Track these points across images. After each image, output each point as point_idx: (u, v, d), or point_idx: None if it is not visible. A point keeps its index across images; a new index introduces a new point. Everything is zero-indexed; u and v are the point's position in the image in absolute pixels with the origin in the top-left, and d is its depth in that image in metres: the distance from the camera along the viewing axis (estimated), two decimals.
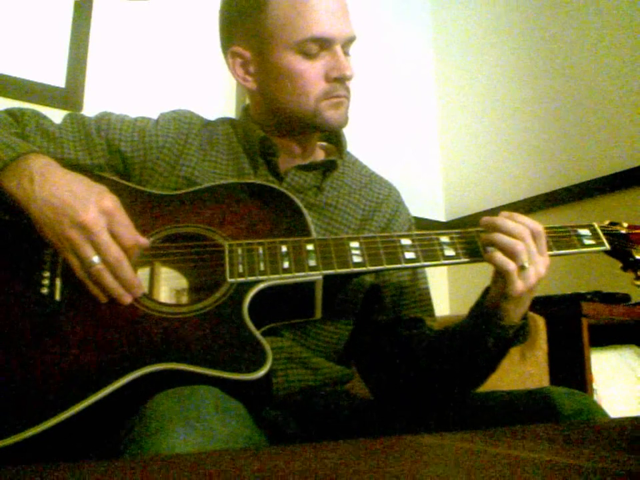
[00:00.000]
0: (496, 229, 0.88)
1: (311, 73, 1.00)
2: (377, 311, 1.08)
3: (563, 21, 2.22)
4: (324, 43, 0.99)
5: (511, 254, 0.85)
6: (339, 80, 1.01)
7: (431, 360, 0.98)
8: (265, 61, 1.02)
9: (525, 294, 0.87)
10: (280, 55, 1.00)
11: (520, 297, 0.87)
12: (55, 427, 0.72)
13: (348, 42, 1.03)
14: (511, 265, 0.85)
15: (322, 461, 0.44)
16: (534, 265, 0.86)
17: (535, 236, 0.87)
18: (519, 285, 0.85)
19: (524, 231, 0.86)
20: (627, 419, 0.86)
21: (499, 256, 0.86)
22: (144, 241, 0.88)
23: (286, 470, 0.41)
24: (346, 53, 1.03)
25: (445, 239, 0.92)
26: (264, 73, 1.03)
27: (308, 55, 0.99)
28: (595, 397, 1.63)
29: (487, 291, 0.93)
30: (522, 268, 0.85)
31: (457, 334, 0.96)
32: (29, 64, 1.79)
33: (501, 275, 0.87)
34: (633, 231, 0.99)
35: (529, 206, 2.16)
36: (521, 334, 0.92)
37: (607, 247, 0.95)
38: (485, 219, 0.91)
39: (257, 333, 0.82)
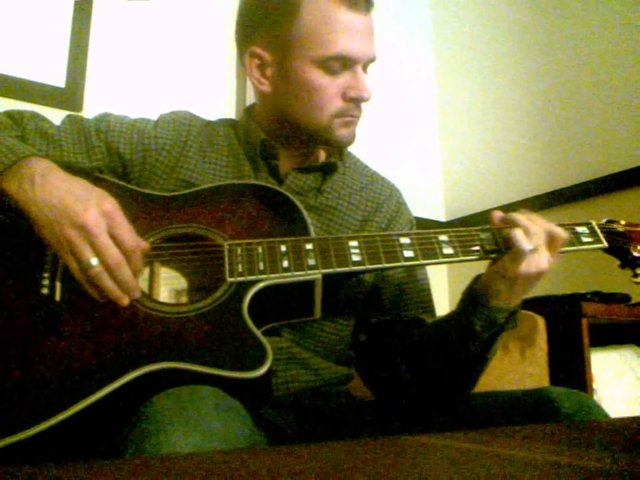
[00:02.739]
0: (513, 221, 0.91)
1: (330, 89, 0.99)
2: (377, 311, 1.08)
3: (563, 21, 2.22)
4: (347, 62, 0.99)
5: (528, 233, 0.88)
6: (355, 100, 1.01)
7: (425, 353, 0.98)
8: (284, 67, 1.01)
9: (521, 278, 0.88)
10: (302, 65, 0.98)
11: (516, 280, 0.88)
12: (55, 427, 0.72)
13: (369, 62, 1.03)
14: (528, 246, 0.87)
15: (322, 461, 0.44)
16: (547, 253, 0.88)
17: (552, 231, 0.90)
18: (523, 266, 0.87)
19: (541, 221, 0.90)
20: (627, 419, 0.86)
21: (520, 234, 0.88)
22: (144, 243, 0.87)
23: (286, 470, 0.41)
24: (364, 72, 1.03)
25: (443, 237, 0.93)
26: (281, 79, 1.02)
27: (330, 71, 0.98)
28: (595, 397, 1.63)
29: (476, 278, 0.95)
30: (532, 250, 0.87)
31: (447, 322, 0.97)
32: (29, 64, 1.79)
33: (514, 253, 0.88)
34: (631, 229, 0.99)
35: (529, 206, 2.14)
36: (511, 321, 0.92)
37: (605, 244, 0.96)
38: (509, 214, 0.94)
39: (257, 332, 0.82)
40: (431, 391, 0.99)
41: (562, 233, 0.91)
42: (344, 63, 0.99)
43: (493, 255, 0.92)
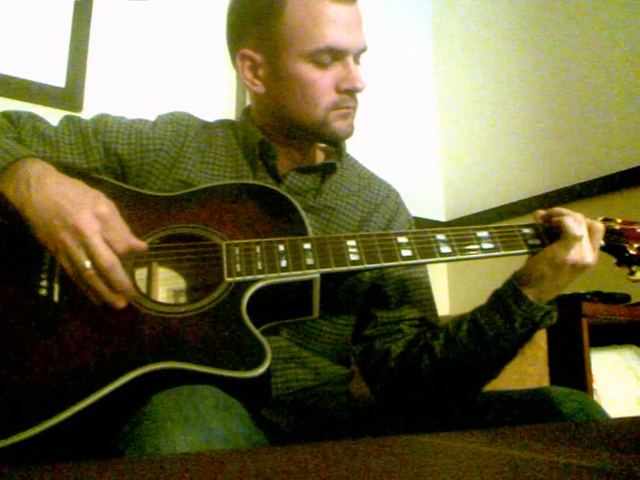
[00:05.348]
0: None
1: (323, 82, 0.99)
2: (378, 311, 1.08)
3: (563, 21, 2.22)
4: (337, 54, 0.99)
5: (577, 221, 0.90)
6: (349, 91, 1.01)
7: (449, 351, 0.96)
8: (276, 66, 1.01)
9: (568, 266, 0.90)
10: (292, 62, 0.99)
11: (562, 267, 0.90)
12: (55, 427, 0.72)
13: (360, 52, 1.03)
14: (580, 231, 0.89)
15: (321, 461, 0.44)
16: (593, 247, 0.92)
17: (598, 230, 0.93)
18: (573, 252, 0.89)
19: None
20: (626, 418, 0.86)
21: (572, 220, 0.90)
22: (138, 244, 0.86)
23: (286, 470, 0.41)
24: (357, 63, 1.03)
25: (441, 236, 0.93)
26: (274, 79, 1.02)
27: (320, 65, 0.99)
28: (595, 397, 1.63)
29: (515, 273, 0.95)
30: (582, 237, 0.90)
31: (480, 318, 0.95)
32: (29, 64, 1.79)
33: (562, 240, 0.90)
34: (627, 227, 1.00)
35: (529, 206, 2.16)
36: (547, 318, 0.93)
37: (602, 242, 0.96)
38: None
39: (256, 331, 0.82)
40: (441, 389, 0.99)
41: (600, 225, 0.93)
42: (333, 56, 0.99)
43: (490, 254, 0.92)
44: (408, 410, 1.01)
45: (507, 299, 0.92)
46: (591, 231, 0.92)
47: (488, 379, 0.99)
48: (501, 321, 0.92)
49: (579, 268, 0.91)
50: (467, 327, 0.96)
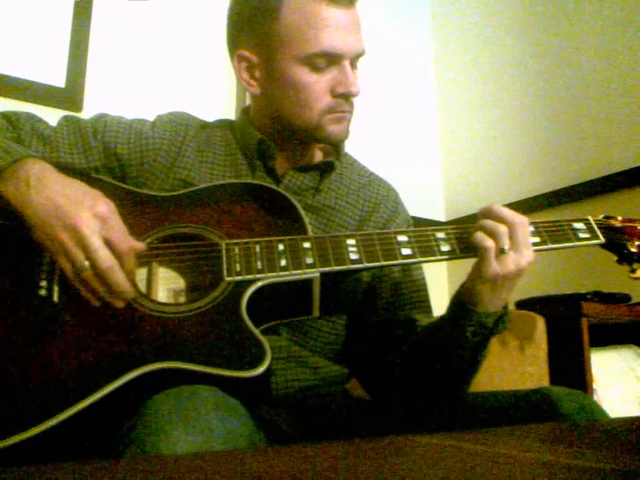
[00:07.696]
0: (486, 214, 0.90)
1: (317, 86, 0.99)
2: (372, 311, 1.08)
3: (564, 21, 2.22)
4: (333, 58, 0.98)
5: (491, 234, 0.87)
6: (344, 96, 1.00)
7: (416, 356, 0.98)
8: (271, 68, 1.01)
9: (499, 279, 0.87)
10: (287, 65, 0.98)
11: (494, 281, 0.87)
12: (55, 427, 0.72)
13: (357, 56, 1.02)
14: (489, 242, 0.87)
15: (321, 461, 0.44)
16: (515, 252, 0.87)
17: (519, 225, 0.88)
18: (494, 267, 0.86)
19: (509, 217, 0.88)
20: (626, 418, 0.86)
21: (480, 234, 0.88)
22: (138, 245, 0.86)
23: (285, 470, 0.41)
24: (354, 66, 1.02)
25: (441, 234, 0.93)
26: (269, 80, 1.03)
27: (315, 68, 0.98)
28: (595, 397, 1.63)
29: (462, 284, 0.94)
30: (501, 251, 0.86)
31: (437, 326, 0.97)
32: (29, 64, 1.79)
33: (479, 255, 0.88)
34: (628, 224, 0.99)
35: (529, 206, 2.16)
36: (500, 323, 0.91)
37: (602, 240, 0.96)
38: (482, 208, 0.92)
39: (256, 331, 0.82)
40: (423, 391, 0.99)
41: (522, 219, 0.88)
42: (329, 59, 0.98)
43: None
44: (405, 409, 1.01)
45: (457, 319, 0.91)
46: (519, 226, 0.87)
47: (459, 384, 0.97)
48: (454, 331, 0.91)
49: (516, 274, 0.87)
50: (427, 338, 0.98)
